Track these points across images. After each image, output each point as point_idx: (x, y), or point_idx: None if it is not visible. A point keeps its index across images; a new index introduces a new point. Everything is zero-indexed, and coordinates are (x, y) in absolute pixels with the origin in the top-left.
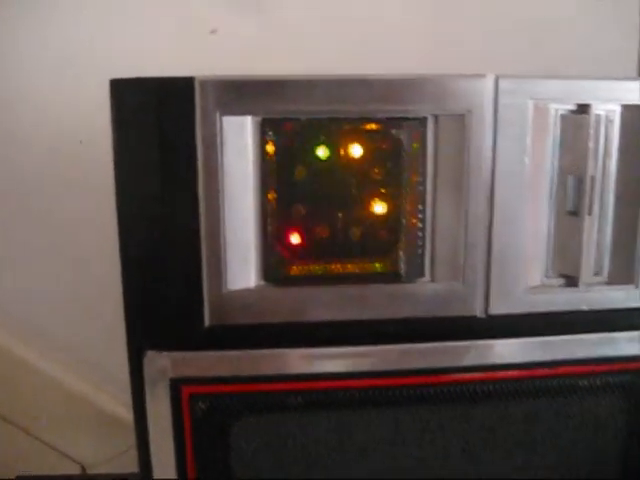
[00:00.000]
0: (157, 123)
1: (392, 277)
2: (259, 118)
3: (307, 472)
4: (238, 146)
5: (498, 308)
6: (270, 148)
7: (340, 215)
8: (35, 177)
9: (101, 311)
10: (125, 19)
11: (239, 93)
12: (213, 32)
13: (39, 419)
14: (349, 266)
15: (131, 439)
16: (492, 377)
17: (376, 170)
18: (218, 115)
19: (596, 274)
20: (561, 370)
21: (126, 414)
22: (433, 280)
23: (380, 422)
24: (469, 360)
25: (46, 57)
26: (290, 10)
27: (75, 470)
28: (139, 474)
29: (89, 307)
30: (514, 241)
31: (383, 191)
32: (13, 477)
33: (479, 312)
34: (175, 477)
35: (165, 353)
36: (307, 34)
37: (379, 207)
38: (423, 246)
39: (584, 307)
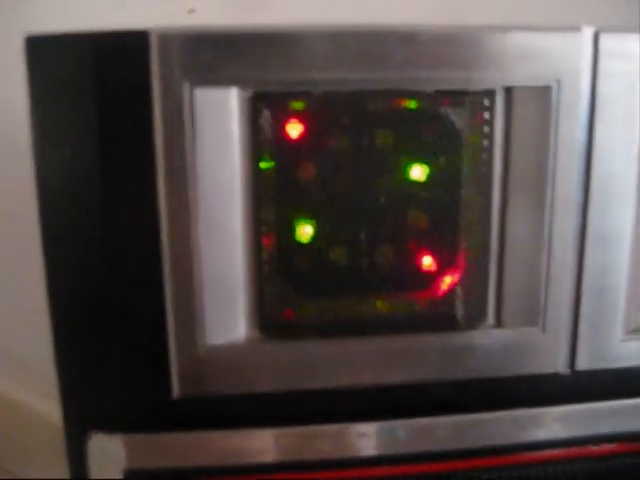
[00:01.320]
0: (93, 100)
1: (442, 322)
2: (249, 91)
3: None
4: (218, 134)
5: (589, 362)
6: (267, 135)
7: (364, 233)
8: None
9: None
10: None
11: (218, 53)
12: (191, 12)
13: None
14: (377, 306)
15: None
16: (582, 454)
17: (417, 168)
18: (187, 87)
19: None
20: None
21: None
22: (500, 325)
23: None
24: (548, 432)
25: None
26: None
27: None
28: None
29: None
30: (616, 271)
31: (427, 198)
32: None
33: (562, 367)
34: None
35: (117, 436)
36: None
37: (421, 221)
38: (486, 277)
39: None
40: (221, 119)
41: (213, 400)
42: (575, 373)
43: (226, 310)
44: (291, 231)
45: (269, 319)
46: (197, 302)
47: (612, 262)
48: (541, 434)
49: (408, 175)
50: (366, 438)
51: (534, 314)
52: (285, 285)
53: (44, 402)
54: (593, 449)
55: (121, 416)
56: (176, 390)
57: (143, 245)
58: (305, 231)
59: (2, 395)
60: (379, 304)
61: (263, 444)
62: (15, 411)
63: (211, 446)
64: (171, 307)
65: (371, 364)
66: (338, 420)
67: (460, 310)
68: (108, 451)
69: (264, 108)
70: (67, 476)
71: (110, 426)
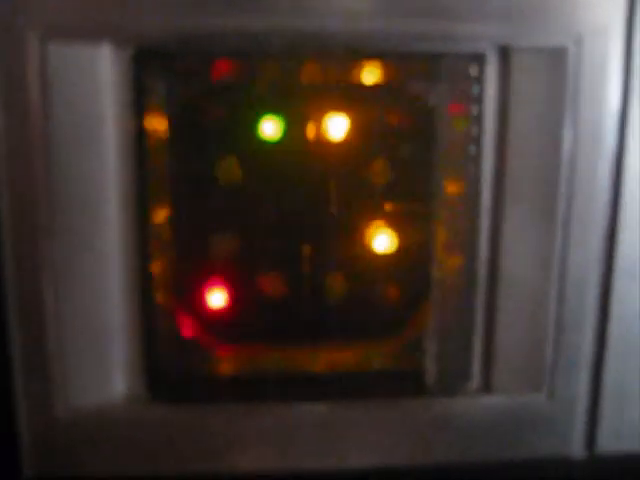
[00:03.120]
0: None
1: (409, 384)
2: (128, 49)
3: None
4: (84, 109)
5: (613, 442)
6: (157, 116)
7: (305, 255)
8: None
9: None
10: None
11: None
12: None
13: None
14: (321, 359)
15: None
16: None
17: (379, 164)
18: (37, 41)
19: None
20: None
21: None
22: (490, 390)
23: None
24: None
25: None
26: None
27: None
28: None
29: None
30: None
31: (390, 208)
32: None
33: (577, 450)
34: None
35: None
36: None
37: (383, 239)
38: (472, 322)
39: None
40: (90, 89)
41: None
42: (594, 457)
43: (98, 360)
44: (200, 244)
45: (158, 372)
46: (56, 348)
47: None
48: None
49: (367, 174)
50: None
51: (537, 376)
52: (187, 325)
53: None
54: None
55: None
56: (27, 469)
57: None
58: (221, 246)
59: None
60: (322, 357)
61: None
62: None
63: None
64: (18, 356)
65: (303, 442)
66: None
67: (433, 369)
68: None
69: (153, 75)
70: None
71: None
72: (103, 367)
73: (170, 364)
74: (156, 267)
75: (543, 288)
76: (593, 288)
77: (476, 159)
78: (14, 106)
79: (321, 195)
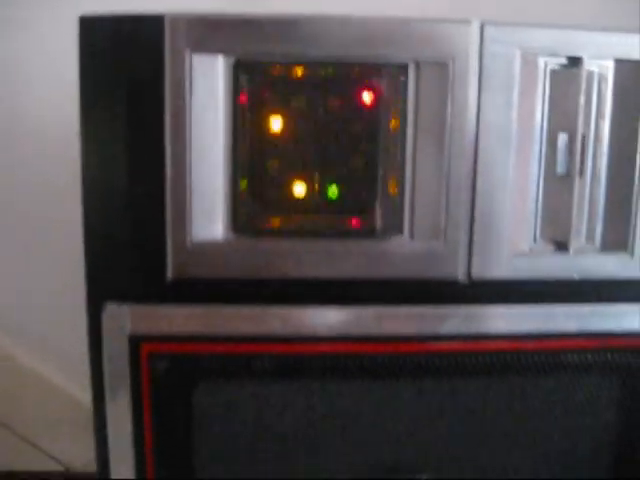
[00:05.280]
0: (126, 62)
1: (368, 233)
2: (232, 59)
3: (272, 444)
4: (209, 89)
5: (482, 272)
6: (243, 95)
7: (316, 170)
8: (28, 173)
9: None
10: None
11: (212, 30)
12: None
13: (29, 420)
14: (324, 222)
15: None
16: (473, 348)
17: (354, 123)
18: (188, 53)
19: (588, 241)
20: (549, 344)
21: None
22: (412, 238)
23: (350, 392)
24: (448, 328)
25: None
26: None
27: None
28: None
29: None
30: (500, 201)
31: (362, 145)
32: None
33: (461, 276)
34: (132, 445)
35: (125, 306)
36: None
37: (357, 162)
38: (402, 202)
39: (575, 275)
40: (212, 79)
41: (197, 282)
42: (472, 281)
43: (209, 217)
44: (261, 163)
45: (241, 225)
46: (187, 210)
47: (498, 195)
48: (444, 328)
49: (349, 128)
50: (308, 319)
51: (438, 231)
52: (256, 203)
53: (63, 376)
54: (483, 344)
55: (128, 292)
56: (170, 273)
57: (154, 166)
58: (272, 164)
59: (30, 372)
60: (324, 221)
61: (233, 319)
62: (39, 386)
63: (196, 317)
64: (169, 212)
65: (315, 262)
66: (289, 303)
67: (380, 225)
68: (117, 318)
69: (242, 73)
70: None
71: (120, 299)
72: (213, 219)
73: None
74: None
75: (439, 184)
76: (466, 184)
77: (403, 122)
78: (176, 101)
79: (326, 143)
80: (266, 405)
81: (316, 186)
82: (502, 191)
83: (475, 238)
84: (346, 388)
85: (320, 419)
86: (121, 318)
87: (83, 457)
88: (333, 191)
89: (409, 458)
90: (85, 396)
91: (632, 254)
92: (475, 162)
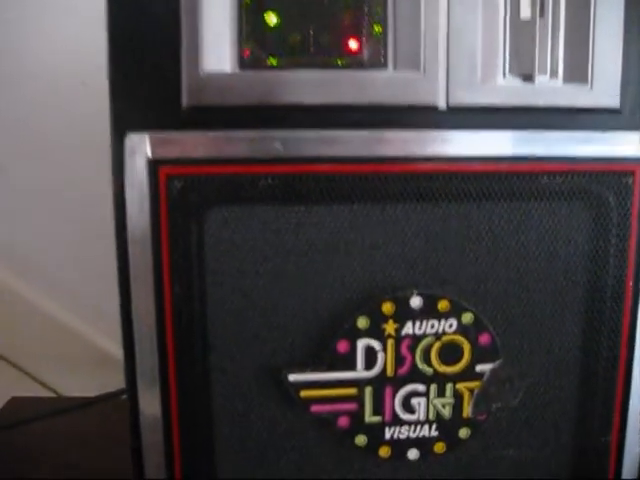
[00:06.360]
0: None
1: (357, 66)
2: None
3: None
4: None
5: (459, 99)
6: None
7: (310, 19)
8: (36, 117)
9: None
10: None
11: None
12: None
13: (35, 356)
14: (318, 60)
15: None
16: (453, 169)
17: None
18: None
19: (552, 76)
20: (521, 167)
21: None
22: (395, 69)
23: (343, 215)
24: (429, 149)
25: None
26: None
27: None
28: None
29: (88, 247)
30: (472, 40)
31: None
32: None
33: (441, 102)
34: (152, 270)
35: (145, 134)
36: None
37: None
38: (385, 39)
39: (540, 103)
40: None
41: (210, 109)
42: (450, 107)
43: (218, 50)
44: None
45: (247, 60)
46: (199, 42)
47: (471, 26)
48: (426, 149)
49: None
50: (307, 142)
51: (418, 60)
52: (257, 42)
53: (87, 325)
54: (462, 166)
55: (148, 120)
56: (185, 101)
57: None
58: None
59: (51, 319)
60: (319, 58)
61: (242, 143)
62: (61, 333)
63: (208, 142)
64: (184, 43)
65: (312, 90)
66: (291, 127)
67: (367, 55)
68: (137, 145)
69: None
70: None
71: (140, 127)
72: (222, 53)
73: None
74: None
75: (417, 19)
76: (443, 15)
77: None
78: None
79: None
80: (269, 225)
81: (311, 32)
82: (474, 32)
83: (451, 69)
84: (341, 210)
85: (312, 242)
86: (141, 144)
87: (82, 390)
88: (325, 37)
89: (399, 279)
90: (87, 330)
91: (592, 86)
92: (449, 5)
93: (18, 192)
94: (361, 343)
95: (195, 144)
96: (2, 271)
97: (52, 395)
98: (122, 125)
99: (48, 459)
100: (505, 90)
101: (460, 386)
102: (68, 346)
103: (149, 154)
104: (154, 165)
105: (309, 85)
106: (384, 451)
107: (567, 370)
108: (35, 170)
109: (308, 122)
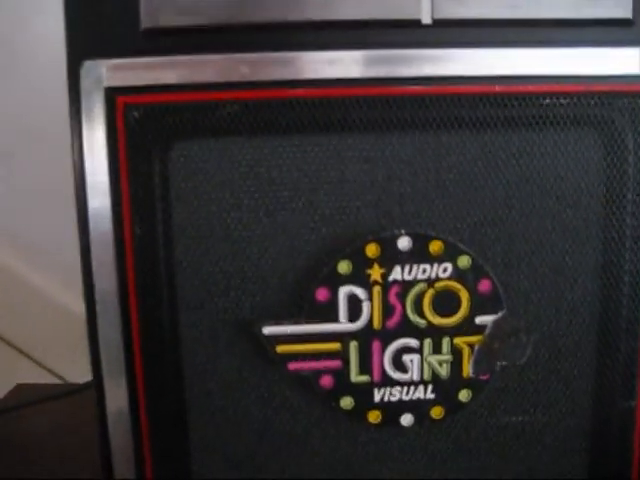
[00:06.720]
0: None
1: None
2: None
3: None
4: None
5: (446, 12)
6: None
7: None
8: (37, 94)
9: None
10: None
11: None
12: None
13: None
14: None
15: None
16: (441, 91)
17: None
18: None
19: None
20: (517, 88)
21: None
22: None
23: (323, 147)
24: (414, 70)
25: None
26: None
27: None
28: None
29: None
30: None
31: None
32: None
33: (425, 16)
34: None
35: (101, 61)
36: None
37: None
38: None
39: (540, 14)
40: None
41: (169, 31)
42: (435, 21)
43: None
44: None
45: None
46: None
47: None
48: (413, 70)
49: None
50: (280, 64)
51: None
52: None
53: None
54: (452, 88)
55: (104, 46)
56: (142, 23)
57: None
58: None
59: (58, 306)
60: None
61: (205, 68)
62: (68, 320)
63: (168, 67)
64: None
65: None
66: (261, 49)
67: None
68: (93, 73)
69: None
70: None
71: (97, 54)
72: None
73: None
74: None
75: None
76: None
77: None
78: None
79: None
80: (237, 159)
81: None
82: None
83: None
84: (318, 141)
85: (285, 178)
86: (97, 72)
87: (83, 373)
88: None
89: (385, 218)
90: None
91: None
92: None
93: (24, 177)
94: (343, 291)
95: (155, 70)
96: (8, 257)
97: (59, 382)
98: (77, 53)
99: (50, 445)
100: (499, 0)
101: (458, 341)
102: (75, 332)
103: (105, 82)
104: (111, 93)
105: (278, 1)
106: (373, 416)
107: (582, 324)
108: (42, 154)
109: (277, 43)
